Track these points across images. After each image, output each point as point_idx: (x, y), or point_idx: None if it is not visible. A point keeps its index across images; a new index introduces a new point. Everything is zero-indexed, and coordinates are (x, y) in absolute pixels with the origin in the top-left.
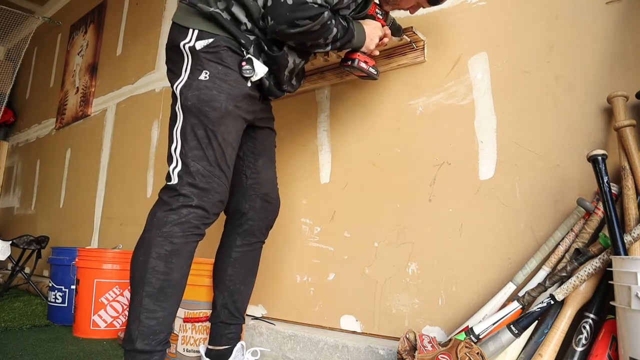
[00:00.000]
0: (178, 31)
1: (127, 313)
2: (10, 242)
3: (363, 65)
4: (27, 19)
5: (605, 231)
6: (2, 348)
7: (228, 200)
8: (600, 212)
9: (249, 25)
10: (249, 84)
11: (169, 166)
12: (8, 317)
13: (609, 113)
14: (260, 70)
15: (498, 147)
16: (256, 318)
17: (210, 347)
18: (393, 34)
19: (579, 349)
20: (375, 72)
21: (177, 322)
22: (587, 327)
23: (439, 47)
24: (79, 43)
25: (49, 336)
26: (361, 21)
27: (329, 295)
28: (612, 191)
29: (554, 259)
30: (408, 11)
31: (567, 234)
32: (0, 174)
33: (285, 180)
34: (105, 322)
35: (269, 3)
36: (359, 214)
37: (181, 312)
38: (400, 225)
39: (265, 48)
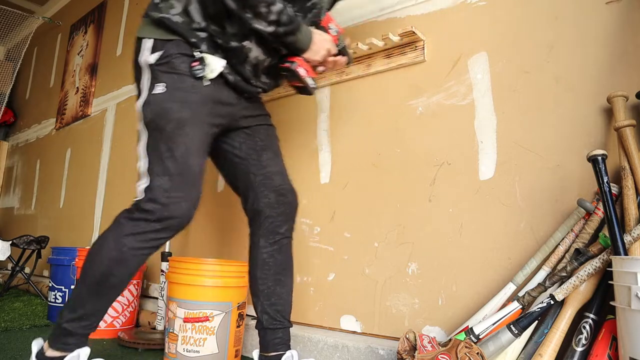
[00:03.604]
0: (137, 45)
1: (126, 314)
2: (10, 242)
3: (301, 70)
4: (27, 19)
5: (605, 231)
6: (2, 348)
7: (246, 203)
8: (600, 212)
9: (203, 23)
10: (205, 84)
11: (137, 183)
12: (8, 317)
13: (609, 113)
14: (216, 65)
15: (498, 147)
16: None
17: (261, 353)
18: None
19: (579, 349)
20: (313, 85)
21: (177, 323)
22: (587, 327)
23: (439, 47)
24: (79, 43)
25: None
26: (311, 29)
27: (329, 295)
28: (612, 191)
29: (554, 259)
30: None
31: (567, 234)
32: (0, 174)
33: None
34: (105, 322)
35: None
36: (359, 214)
37: (181, 312)
38: (400, 225)
39: (220, 42)
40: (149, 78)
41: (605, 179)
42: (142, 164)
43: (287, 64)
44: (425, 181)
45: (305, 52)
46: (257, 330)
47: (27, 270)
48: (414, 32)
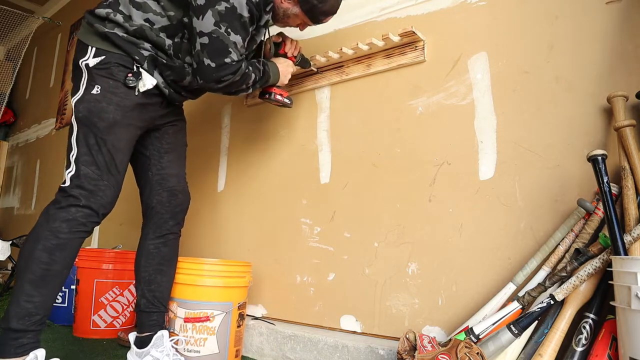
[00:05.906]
0: (80, 48)
1: (126, 313)
2: (10, 242)
3: (279, 97)
4: (27, 19)
5: (605, 231)
6: None
7: (142, 196)
8: (600, 212)
9: (147, 45)
10: (136, 93)
11: (65, 170)
12: None
13: (609, 113)
14: (148, 82)
15: (498, 147)
16: (256, 318)
17: (137, 334)
18: (302, 66)
19: (579, 349)
20: (290, 102)
21: (178, 322)
22: (587, 327)
23: (439, 47)
24: None
25: (49, 336)
26: (275, 60)
27: (329, 295)
28: (612, 191)
29: (554, 259)
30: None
31: (567, 234)
32: (0, 174)
33: (285, 180)
34: (105, 322)
35: (195, 66)
36: (359, 214)
37: (182, 312)
38: (400, 225)
39: (164, 61)
40: (87, 79)
41: (605, 179)
42: (72, 153)
43: (266, 96)
44: (425, 181)
45: (277, 83)
46: (136, 313)
47: None
48: (414, 32)
